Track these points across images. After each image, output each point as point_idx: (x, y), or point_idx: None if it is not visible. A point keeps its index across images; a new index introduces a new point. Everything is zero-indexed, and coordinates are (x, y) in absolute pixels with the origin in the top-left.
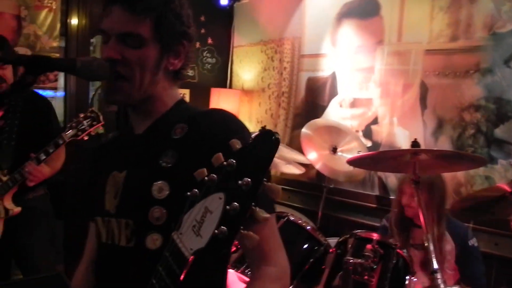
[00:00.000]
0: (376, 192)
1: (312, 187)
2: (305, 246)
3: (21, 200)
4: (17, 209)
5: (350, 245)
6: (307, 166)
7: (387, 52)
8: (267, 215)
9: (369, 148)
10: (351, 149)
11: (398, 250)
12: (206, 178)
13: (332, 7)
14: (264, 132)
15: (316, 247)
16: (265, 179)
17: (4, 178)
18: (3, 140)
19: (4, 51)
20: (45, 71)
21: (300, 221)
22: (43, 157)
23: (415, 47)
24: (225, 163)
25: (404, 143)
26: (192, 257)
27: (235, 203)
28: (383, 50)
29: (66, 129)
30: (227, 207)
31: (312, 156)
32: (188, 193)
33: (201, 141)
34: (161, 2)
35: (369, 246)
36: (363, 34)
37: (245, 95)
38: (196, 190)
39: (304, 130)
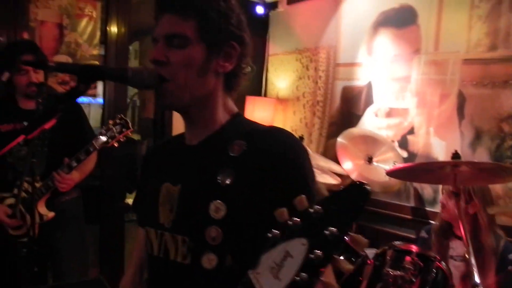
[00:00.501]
0: (411, 203)
1: None
2: (343, 257)
3: (54, 203)
4: (51, 214)
5: (388, 257)
6: (342, 176)
7: (424, 61)
8: (351, 267)
9: (405, 159)
10: (387, 160)
11: (438, 263)
12: (289, 222)
13: (368, 16)
14: (357, 184)
15: (353, 258)
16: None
17: (38, 184)
18: (36, 147)
19: (44, 57)
20: (97, 80)
21: None
22: (74, 164)
23: (453, 57)
24: (311, 209)
25: (440, 154)
26: None
27: (319, 251)
28: (420, 59)
29: (96, 136)
30: (311, 254)
31: (347, 165)
32: (269, 234)
33: (259, 163)
34: (206, 2)
35: (408, 258)
36: (399, 43)
37: (280, 103)
38: (277, 231)
39: (339, 139)
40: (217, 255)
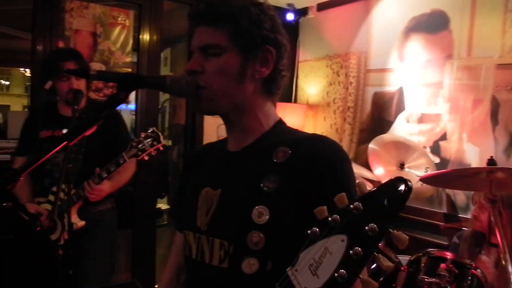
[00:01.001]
0: (444, 210)
1: None
2: (376, 263)
3: (87, 212)
4: (81, 223)
5: (423, 264)
6: (373, 182)
7: (456, 66)
8: (391, 264)
9: (437, 165)
10: (419, 166)
11: (473, 270)
12: (329, 218)
13: (399, 22)
14: (396, 179)
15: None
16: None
17: (72, 192)
18: (71, 154)
19: (85, 65)
20: (136, 88)
21: None
22: (104, 175)
23: (486, 62)
24: (351, 206)
25: (473, 160)
26: None
27: (359, 248)
28: (452, 64)
29: (127, 148)
30: (350, 251)
31: (379, 171)
32: (308, 231)
33: (304, 169)
34: (234, 9)
35: (443, 265)
36: (431, 48)
37: (310, 109)
38: (316, 228)
39: (371, 145)
40: (259, 260)
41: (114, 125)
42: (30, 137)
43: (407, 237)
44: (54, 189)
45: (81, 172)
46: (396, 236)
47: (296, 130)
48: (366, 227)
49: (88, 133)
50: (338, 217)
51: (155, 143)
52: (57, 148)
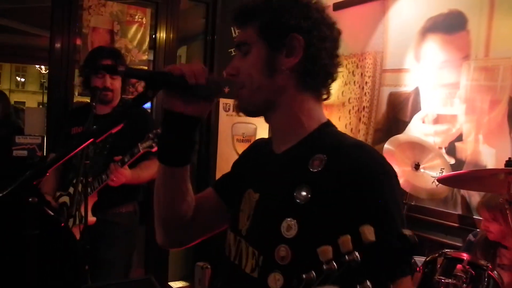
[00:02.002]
0: (458, 211)
1: None
2: None
3: (107, 214)
4: (91, 219)
5: (439, 265)
6: None
7: (473, 67)
8: None
9: (452, 166)
10: (434, 166)
11: (490, 272)
12: (324, 266)
13: (416, 22)
14: (404, 235)
15: None
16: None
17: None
18: (96, 148)
19: (125, 66)
20: (164, 87)
21: None
22: (126, 159)
23: (504, 63)
24: (349, 257)
25: (490, 162)
26: None
27: None
28: (469, 65)
29: (143, 140)
30: None
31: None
32: (304, 275)
33: (337, 181)
34: (261, 5)
35: (459, 266)
36: (448, 49)
37: (325, 109)
38: (313, 273)
39: (386, 145)
40: (284, 275)
41: (143, 123)
42: (64, 134)
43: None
44: (74, 181)
45: (103, 166)
46: None
47: (341, 134)
48: (358, 285)
49: (114, 130)
50: (335, 265)
51: None
52: (84, 145)
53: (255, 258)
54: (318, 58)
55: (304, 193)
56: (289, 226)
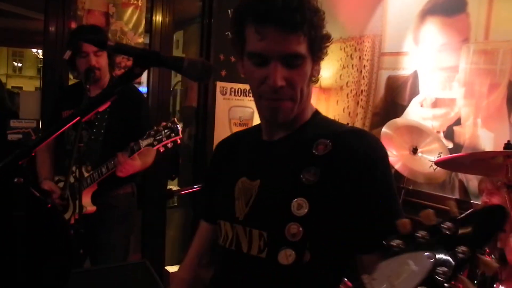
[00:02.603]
0: (456, 196)
1: None
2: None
3: (104, 196)
4: (92, 208)
5: None
6: None
7: (473, 50)
8: (472, 286)
9: (450, 150)
10: (432, 150)
11: (487, 256)
12: (417, 234)
13: (415, 4)
14: (496, 208)
15: None
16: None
17: (86, 174)
18: (92, 135)
19: (114, 41)
20: (153, 65)
21: None
22: (113, 164)
23: (504, 46)
24: (443, 225)
25: (488, 146)
26: None
27: (445, 268)
28: (468, 48)
29: (144, 136)
30: (437, 269)
31: (391, 156)
32: (393, 243)
33: (345, 164)
34: (312, 14)
35: None
36: (447, 31)
37: (323, 93)
38: (400, 241)
39: (384, 129)
40: (296, 251)
41: (137, 108)
42: (55, 117)
43: (497, 265)
44: (74, 168)
45: (101, 153)
46: (485, 262)
47: (333, 120)
48: (457, 249)
49: (101, 108)
50: (426, 233)
51: (172, 134)
52: (69, 124)
53: (263, 239)
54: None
55: (312, 175)
56: (300, 205)
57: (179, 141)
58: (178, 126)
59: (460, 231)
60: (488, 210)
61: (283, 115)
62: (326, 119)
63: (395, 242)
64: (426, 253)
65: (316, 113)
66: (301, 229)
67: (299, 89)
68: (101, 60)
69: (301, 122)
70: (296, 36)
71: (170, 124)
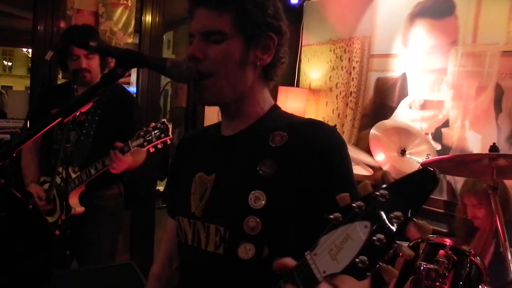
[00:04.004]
0: (444, 197)
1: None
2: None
3: (92, 197)
4: (80, 209)
5: (421, 250)
6: (374, 168)
7: (461, 53)
8: (412, 252)
9: (438, 152)
10: (420, 152)
11: (472, 257)
12: (353, 204)
13: (404, 6)
14: (425, 170)
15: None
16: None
17: (74, 175)
18: (81, 136)
19: (97, 42)
20: (135, 66)
21: None
22: (126, 149)
23: (491, 49)
24: (377, 192)
25: (476, 148)
26: (323, 279)
27: (381, 235)
28: (457, 51)
29: (134, 137)
30: (373, 237)
31: (380, 157)
32: (331, 216)
33: (302, 154)
34: None
35: (442, 252)
36: (436, 34)
37: (312, 94)
38: (338, 214)
39: (372, 131)
40: (255, 245)
41: (128, 110)
42: (41, 115)
43: (431, 227)
44: (60, 169)
45: (89, 155)
46: (420, 225)
47: (291, 114)
48: (391, 215)
49: (84, 109)
50: (362, 203)
51: (162, 135)
52: (52, 124)
53: (219, 234)
54: (282, 55)
55: (268, 166)
56: (257, 198)
57: (169, 142)
58: (168, 126)
59: (393, 197)
60: (419, 175)
61: (206, 95)
62: (283, 113)
63: (334, 215)
64: (362, 222)
65: (274, 107)
66: (259, 222)
67: (219, 65)
68: (92, 63)
69: (258, 116)
70: (218, 13)
71: (159, 125)
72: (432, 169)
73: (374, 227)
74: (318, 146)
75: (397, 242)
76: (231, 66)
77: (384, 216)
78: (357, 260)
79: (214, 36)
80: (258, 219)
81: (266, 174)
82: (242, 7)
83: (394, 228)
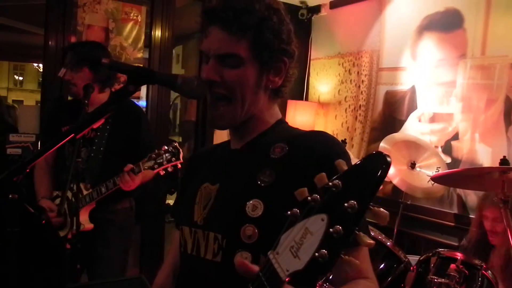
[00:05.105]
0: (454, 210)
1: (388, 202)
2: (385, 263)
3: (103, 211)
4: (89, 226)
5: (432, 264)
6: (384, 182)
7: (470, 66)
8: (371, 241)
9: (448, 165)
10: (430, 165)
11: (484, 271)
12: (308, 198)
13: (413, 20)
14: (375, 154)
15: (395, 265)
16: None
17: (85, 192)
18: (91, 152)
19: (109, 59)
20: (147, 83)
21: (380, 237)
22: (136, 170)
23: (500, 61)
24: (330, 183)
25: (486, 160)
26: (287, 278)
27: (339, 226)
28: (465, 64)
29: (145, 158)
30: (330, 229)
31: (390, 171)
32: (288, 212)
33: (301, 163)
34: (258, 20)
35: (453, 266)
36: (444, 47)
37: (321, 107)
38: (296, 209)
39: (382, 144)
40: (252, 253)
41: (137, 126)
42: (53, 132)
43: (387, 213)
44: (73, 185)
45: (101, 171)
46: (375, 212)
47: (296, 128)
48: (346, 204)
49: (95, 126)
50: (317, 196)
51: (173, 159)
52: (64, 140)
53: (217, 242)
54: (292, 75)
55: (267, 176)
56: (255, 206)
57: (179, 166)
58: (179, 150)
59: (346, 186)
60: (369, 159)
61: (223, 121)
62: (287, 127)
63: (291, 211)
64: (319, 216)
65: (280, 121)
66: (256, 230)
67: (236, 90)
68: (77, 78)
69: (262, 129)
70: (236, 38)
71: (171, 148)
72: (382, 152)
73: (330, 219)
74: (316, 153)
75: (356, 231)
76: (247, 91)
77: (339, 207)
78: (317, 254)
79: (231, 60)
80: (255, 228)
81: (265, 184)
82: (260, 34)
83: (350, 218)
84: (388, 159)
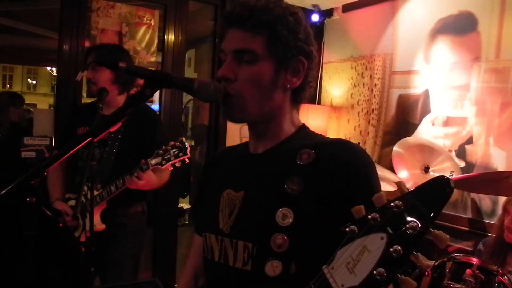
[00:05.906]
0: (468, 215)
1: None
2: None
3: (115, 215)
4: (101, 226)
5: (448, 269)
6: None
7: (484, 69)
8: (431, 262)
9: (462, 169)
10: (443, 169)
11: (500, 277)
12: (369, 216)
13: (426, 23)
14: (439, 178)
15: (410, 270)
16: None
17: (96, 192)
18: (104, 153)
19: (127, 63)
20: (164, 87)
21: None
22: (122, 183)
23: None
24: (392, 204)
25: (500, 165)
26: None
27: (398, 246)
28: (479, 67)
29: (153, 155)
30: (390, 249)
31: (403, 175)
32: (347, 228)
33: (329, 171)
34: (273, 18)
35: (469, 271)
36: (458, 50)
37: (334, 111)
38: (354, 226)
39: (395, 148)
40: (282, 262)
41: (152, 129)
42: (69, 134)
43: (448, 236)
44: (86, 188)
45: (112, 172)
46: (436, 235)
47: (320, 134)
48: (407, 225)
49: (113, 129)
50: (377, 215)
51: (180, 154)
52: (82, 144)
53: (247, 251)
54: (311, 79)
55: (296, 184)
56: (284, 215)
57: (187, 161)
58: (186, 145)
59: (409, 208)
60: (433, 183)
61: (234, 112)
62: (311, 133)
63: (349, 228)
64: (378, 234)
65: (303, 127)
66: (286, 239)
67: (247, 86)
68: (98, 76)
69: (286, 135)
70: (251, 35)
71: (178, 143)
72: (446, 176)
73: (390, 239)
74: (344, 164)
75: (415, 253)
76: (260, 88)
77: (400, 227)
78: (374, 272)
79: (247, 56)
80: (285, 237)
81: (294, 192)
82: (275, 30)
83: (411, 239)
84: (452, 184)
